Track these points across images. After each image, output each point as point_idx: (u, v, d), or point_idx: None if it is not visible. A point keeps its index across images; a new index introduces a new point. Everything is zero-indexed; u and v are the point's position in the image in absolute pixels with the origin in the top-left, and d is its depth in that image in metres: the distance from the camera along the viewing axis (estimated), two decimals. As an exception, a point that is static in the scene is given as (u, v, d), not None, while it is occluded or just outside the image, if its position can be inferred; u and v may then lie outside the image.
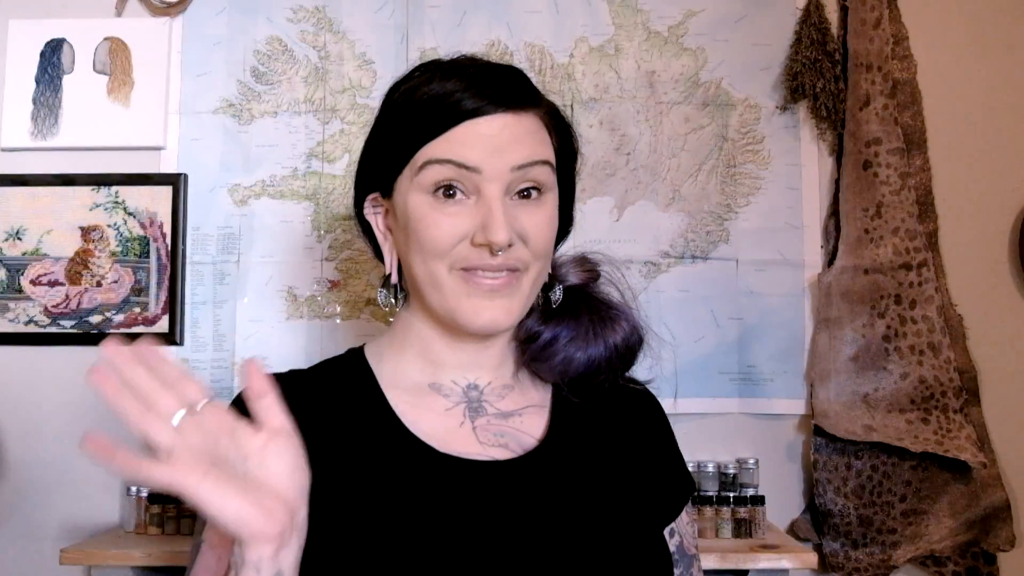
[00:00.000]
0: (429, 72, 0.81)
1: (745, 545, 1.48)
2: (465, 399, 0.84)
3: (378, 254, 0.88)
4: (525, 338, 0.87)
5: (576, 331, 0.86)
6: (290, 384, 0.84)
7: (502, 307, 0.79)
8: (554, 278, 0.88)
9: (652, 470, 0.88)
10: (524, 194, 0.79)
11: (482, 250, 0.77)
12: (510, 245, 0.77)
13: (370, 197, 0.86)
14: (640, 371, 0.94)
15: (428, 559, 0.74)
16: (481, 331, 0.80)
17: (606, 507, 0.81)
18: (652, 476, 0.88)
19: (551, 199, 0.82)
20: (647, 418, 0.92)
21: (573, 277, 0.89)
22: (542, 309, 0.87)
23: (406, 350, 0.86)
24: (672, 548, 0.87)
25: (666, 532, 0.88)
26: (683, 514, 0.91)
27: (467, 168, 0.76)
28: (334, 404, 0.83)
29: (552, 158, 0.81)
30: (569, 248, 0.94)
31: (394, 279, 0.86)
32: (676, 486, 0.91)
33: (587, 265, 0.91)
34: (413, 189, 0.79)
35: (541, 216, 0.80)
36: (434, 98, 0.78)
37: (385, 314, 0.90)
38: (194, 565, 0.80)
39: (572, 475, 0.81)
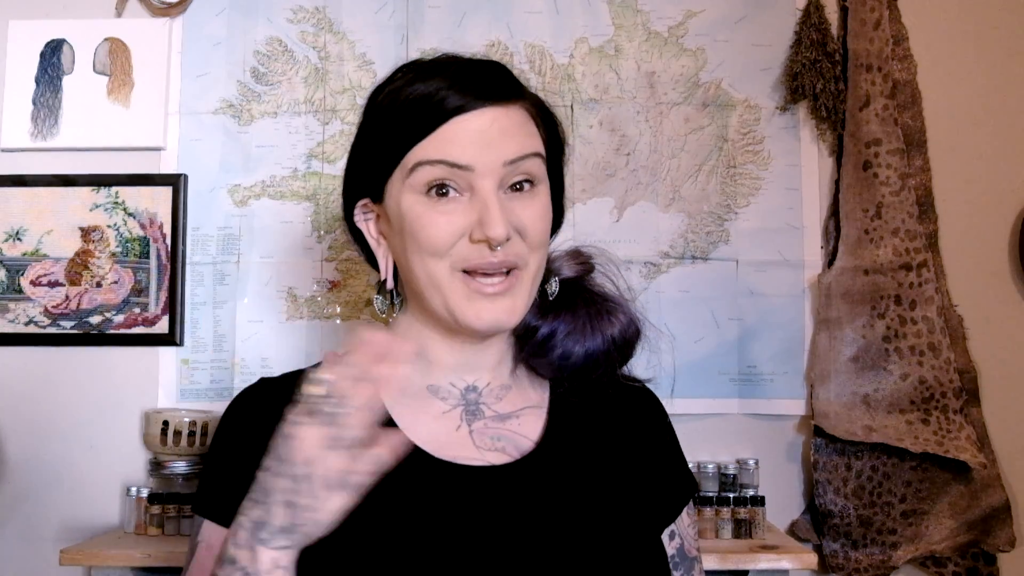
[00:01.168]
0: (412, 72, 0.80)
1: (745, 546, 1.48)
2: (463, 401, 0.84)
3: (370, 260, 0.88)
4: (522, 333, 0.87)
5: (573, 325, 0.86)
6: (284, 388, 0.83)
7: (505, 307, 0.78)
8: (549, 272, 0.87)
9: (651, 470, 0.87)
10: (517, 187, 0.79)
11: (481, 247, 0.77)
12: (508, 239, 0.77)
13: (360, 203, 0.85)
14: (639, 367, 0.93)
15: (421, 566, 0.73)
16: (485, 332, 0.80)
17: (602, 511, 0.80)
18: (651, 477, 0.87)
19: (544, 191, 0.81)
20: (647, 417, 0.92)
21: (568, 270, 0.89)
22: (539, 303, 0.87)
23: None
24: (672, 551, 0.87)
25: (666, 534, 0.87)
26: (684, 515, 0.90)
27: (459, 167, 0.76)
28: None
29: (542, 150, 0.81)
30: (567, 240, 0.93)
31: (390, 284, 0.85)
32: (676, 486, 0.90)
33: (581, 258, 0.91)
34: (405, 191, 0.78)
35: (536, 208, 0.79)
36: (419, 98, 0.77)
37: (388, 318, 0.88)
38: (189, 566, 0.79)
39: (568, 479, 0.81)
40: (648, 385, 0.95)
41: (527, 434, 0.83)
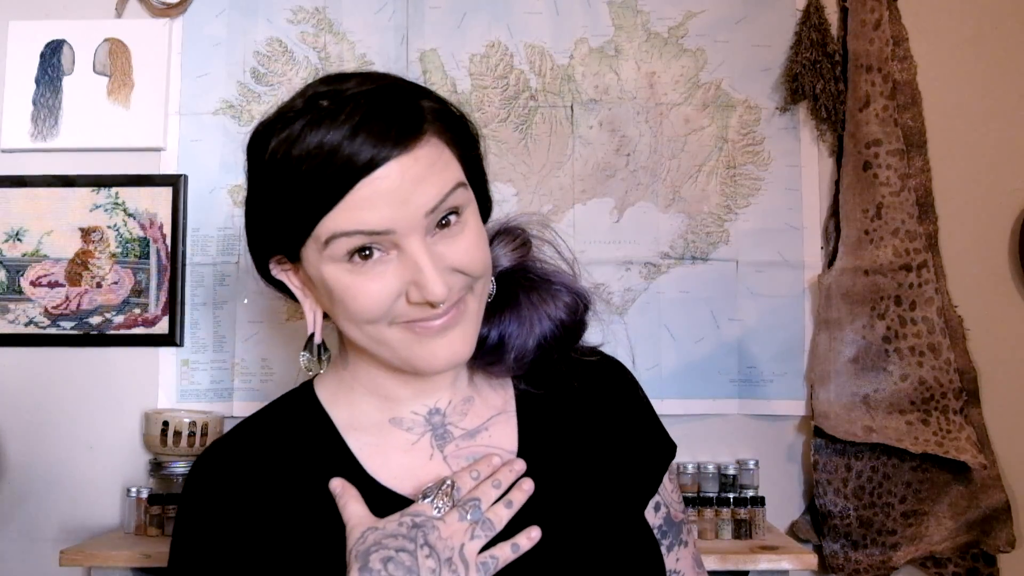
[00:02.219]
0: (302, 117, 0.70)
1: (745, 546, 1.48)
2: (429, 427, 0.80)
3: (296, 300, 0.81)
4: None
5: (519, 321, 0.81)
6: (242, 450, 0.80)
7: (458, 337, 0.74)
8: None
9: (628, 444, 0.85)
10: (443, 222, 0.72)
11: (422, 306, 0.71)
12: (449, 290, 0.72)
13: (274, 259, 0.78)
14: (592, 335, 0.88)
15: None
16: (445, 369, 0.75)
17: (589, 504, 0.79)
18: (629, 450, 0.84)
19: (471, 211, 0.75)
20: (613, 389, 0.88)
21: (505, 260, 0.83)
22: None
23: (357, 389, 0.82)
24: (659, 521, 0.86)
25: (651, 507, 0.85)
26: (666, 481, 0.87)
27: (379, 233, 0.69)
28: (293, 464, 0.78)
29: (462, 174, 0.74)
30: (500, 215, 0.88)
31: (318, 339, 0.80)
32: (654, 453, 0.87)
33: (516, 240, 0.84)
34: (324, 261, 0.71)
35: (467, 240, 0.73)
36: (321, 159, 0.68)
37: (313, 372, 0.84)
38: None
39: (550, 480, 0.78)
40: (605, 350, 0.90)
41: (501, 445, 0.80)
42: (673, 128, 1.73)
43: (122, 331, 1.70)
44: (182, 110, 1.74)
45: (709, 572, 1.41)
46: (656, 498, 0.86)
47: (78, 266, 1.71)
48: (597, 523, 0.79)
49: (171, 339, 1.69)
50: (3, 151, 1.74)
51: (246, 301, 1.71)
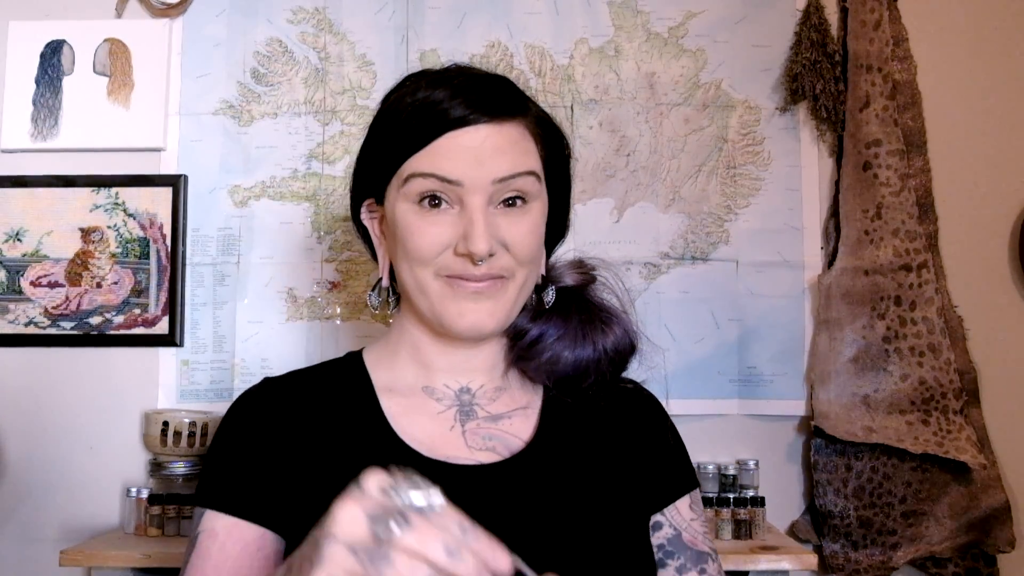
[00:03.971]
0: (417, 81, 0.82)
1: (745, 546, 1.48)
2: (457, 402, 0.86)
3: (376, 258, 0.90)
4: (513, 335, 0.88)
5: (564, 330, 0.87)
6: (286, 388, 0.87)
7: (487, 309, 0.80)
8: (548, 280, 0.89)
9: (643, 465, 0.88)
10: (510, 203, 0.80)
11: (465, 260, 0.79)
12: (491, 255, 0.78)
13: (366, 203, 0.88)
14: (632, 370, 0.93)
15: None
16: (466, 334, 0.81)
17: (590, 507, 0.81)
18: (642, 470, 0.87)
19: (537, 207, 0.82)
20: (642, 415, 0.92)
21: (568, 279, 0.90)
22: (534, 309, 0.88)
23: (400, 354, 0.88)
24: (662, 540, 0.87)
25: (652, 525, 0.87)
26: (686, 509, 0.89)
27: (449, 182, 0.78)
28: (328, 408, 0.85)
29: (538, 167, 0.82)
30: (569, 250, 0.94)
31: (385, 283, 0.88)
32: (669, 478, 0.90)
33: (583, 268, 0.92)
34: (400, 199, 0.81)
35: (525, 225, 0.81)
36: (418, 108, 0.79)
37: (384, 316, 0.91)
38: (191, 555, 0.80)
39: (557, 477, 0.82)
40: (642, 385, 0.95)
41: (518, 434, 0.85)
42: (673, 128, 1.73)
43: (122, 331, 1.70)
44: (182, 110, 1.74)
45: (709, 572, 1.41)
46: (659, 517, 0.88)
47: (78, 266, 1.71)
48: (595, 522, 0.81)
49: (171, 339, 1.69)
50: (3, 151, 1.74)
51: (246, 301, 1.71)
